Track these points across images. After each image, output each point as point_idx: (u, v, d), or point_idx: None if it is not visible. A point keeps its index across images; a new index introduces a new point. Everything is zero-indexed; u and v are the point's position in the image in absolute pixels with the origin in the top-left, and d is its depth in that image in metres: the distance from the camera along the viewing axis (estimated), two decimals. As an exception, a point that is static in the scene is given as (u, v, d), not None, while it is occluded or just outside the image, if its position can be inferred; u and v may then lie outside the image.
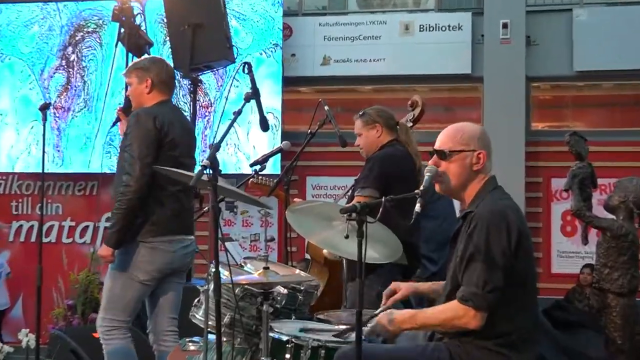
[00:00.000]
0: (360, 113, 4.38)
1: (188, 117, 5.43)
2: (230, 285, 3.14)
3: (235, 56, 6.29)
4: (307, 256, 5.79)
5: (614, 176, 6.47)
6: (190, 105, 6.69)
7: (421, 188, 2.73)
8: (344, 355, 2.74)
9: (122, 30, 6.43)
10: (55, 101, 9.05)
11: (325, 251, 4.67)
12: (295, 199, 4.54)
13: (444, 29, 8.79)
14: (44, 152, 5.13)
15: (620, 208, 5.59)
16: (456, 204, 4.69)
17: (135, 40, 6.40)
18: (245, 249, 8.78)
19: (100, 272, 6.88)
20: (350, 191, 4.57)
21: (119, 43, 6.55)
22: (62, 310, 7.11)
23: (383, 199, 2.66)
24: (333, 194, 8.71)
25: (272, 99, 8.54)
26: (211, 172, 2.97)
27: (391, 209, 2.74)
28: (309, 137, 4.55)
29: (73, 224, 9.29)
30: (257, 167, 4.45)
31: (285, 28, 8.91)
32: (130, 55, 6.44)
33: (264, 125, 4.01)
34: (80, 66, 9.18)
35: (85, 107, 9.13)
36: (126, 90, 4.45)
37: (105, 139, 8.83)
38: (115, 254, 3.97)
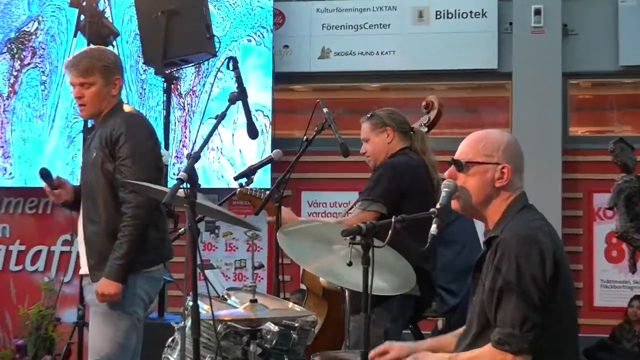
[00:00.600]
0: (369, 115, 4.40)
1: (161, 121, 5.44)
2: (211, 322, 3.15)
3: (217, 48, 6.31)
4: (303, 286, 5.81)
5: (668, 191, 6.48)
6: (163, 104, 6.65)
7: (438, 206, 2.74)
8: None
9: (82, 17, 6.46)
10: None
11: (323, 280, 4.68)
12: (286, 216, 4.45)
13: (464, 15, 8.81)
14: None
15: (675, 229, 5.62)
16: (478, 227, 4.69)
17: (97, 30, 6.42)
18: (229, 278, 8.78)
19: (56, 305, 6.88)
20: (353, 208, 4.57)
21: (78, 33, 6.58)
22: (9, 351, 7.11)
23: (393, 219, 2.67)
24: (333, 213, 8.70)
25: (261, 94, 8.54)
26: (189, 186, 2.98)
27: (402, 231, 2.74)
28: (304, 145, 4.56)
29: (23, 248, 9.26)
30: (243, 180, 4.47)
31: (276, 15, 8.90)
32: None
33: (252, 132, 4.04)
34: (30, 62, 9.09)
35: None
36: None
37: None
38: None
